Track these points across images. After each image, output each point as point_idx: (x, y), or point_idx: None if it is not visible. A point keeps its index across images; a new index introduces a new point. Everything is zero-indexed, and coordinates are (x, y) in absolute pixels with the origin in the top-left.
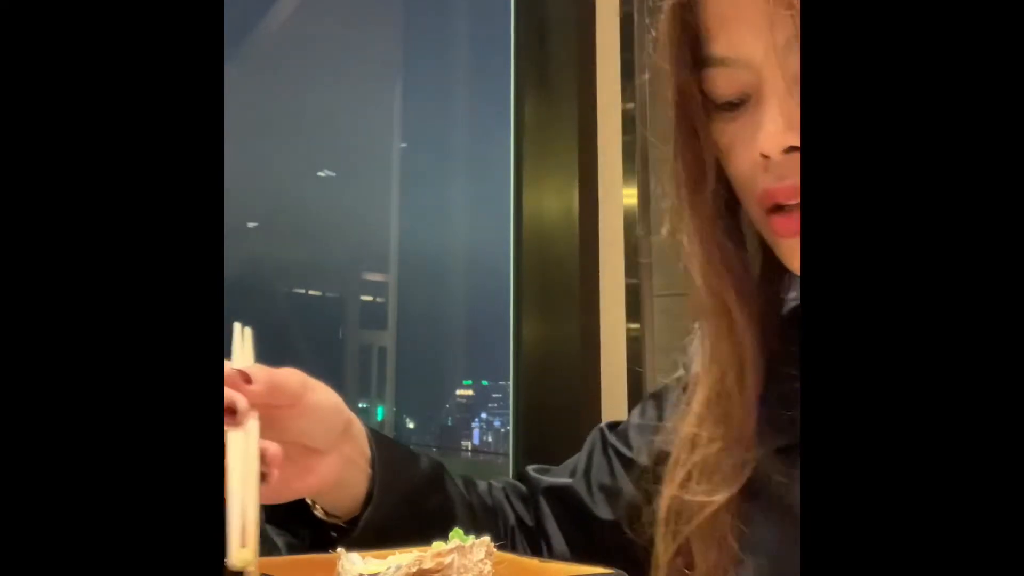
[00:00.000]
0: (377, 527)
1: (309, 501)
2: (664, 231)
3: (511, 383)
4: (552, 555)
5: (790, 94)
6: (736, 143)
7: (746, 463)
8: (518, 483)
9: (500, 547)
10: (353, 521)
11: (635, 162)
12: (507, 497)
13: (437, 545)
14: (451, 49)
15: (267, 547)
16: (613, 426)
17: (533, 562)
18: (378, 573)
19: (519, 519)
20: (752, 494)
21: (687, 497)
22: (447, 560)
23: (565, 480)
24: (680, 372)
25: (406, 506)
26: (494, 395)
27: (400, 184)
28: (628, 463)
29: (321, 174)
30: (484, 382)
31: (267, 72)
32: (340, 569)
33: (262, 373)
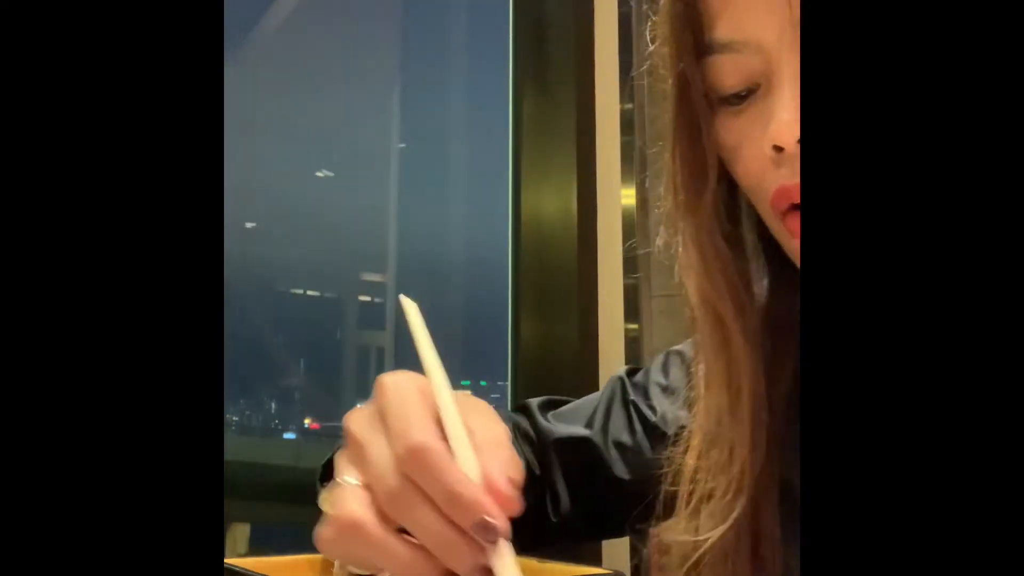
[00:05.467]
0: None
1: None
2: (659, 241)
3: (509, 383)
4: (558, 512)
5: None
6: (744, 140)
7: (745, 501)
8: (520, 419)
9: None
10: None
11: (633, 162)
12: (516, 441)
13: None
14: (450, 49)
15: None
16: (632, 373)
17: (532, 562)
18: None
19: (528, 465)
20: (756, 534)
21: (689, 537)
22: None
23: (582, 431)
24: None
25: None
26: (492, 395)
27: (399, 184)
28: (649, 426)
29: (320, 174)
30: (482, 382)
31: (267, 72)
32: (336, 568)
33: (513, 469)
